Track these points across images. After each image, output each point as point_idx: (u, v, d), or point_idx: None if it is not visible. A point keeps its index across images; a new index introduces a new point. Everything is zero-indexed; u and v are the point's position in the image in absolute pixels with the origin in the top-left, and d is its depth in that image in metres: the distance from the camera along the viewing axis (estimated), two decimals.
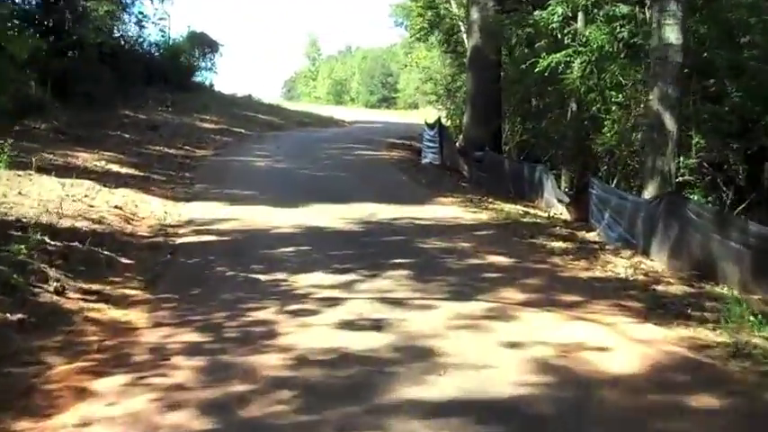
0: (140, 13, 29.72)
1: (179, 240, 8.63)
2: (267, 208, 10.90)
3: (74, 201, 9.36)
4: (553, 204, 12.87)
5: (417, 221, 10.55)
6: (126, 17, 27.50)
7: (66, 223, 8.13)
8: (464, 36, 24.37)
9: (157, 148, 16.74)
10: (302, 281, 6.99)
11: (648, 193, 10.50)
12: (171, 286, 6.72)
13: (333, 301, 6.33)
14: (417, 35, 26.48)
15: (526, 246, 9.34)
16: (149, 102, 24.31)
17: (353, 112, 48.54)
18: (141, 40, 29.04)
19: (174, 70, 29.11)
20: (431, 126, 20.47)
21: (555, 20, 14.92)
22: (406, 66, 42.20)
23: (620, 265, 8.48)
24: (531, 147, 19.14)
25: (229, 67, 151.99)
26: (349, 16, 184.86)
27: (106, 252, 7.34)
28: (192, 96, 27.64)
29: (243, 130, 23.72)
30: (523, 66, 15.20)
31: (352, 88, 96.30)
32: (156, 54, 29.74)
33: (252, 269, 7.33)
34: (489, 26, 17.92)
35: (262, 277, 7.08)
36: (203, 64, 33.66)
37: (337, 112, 40.68)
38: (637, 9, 14.31)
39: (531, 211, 12.63)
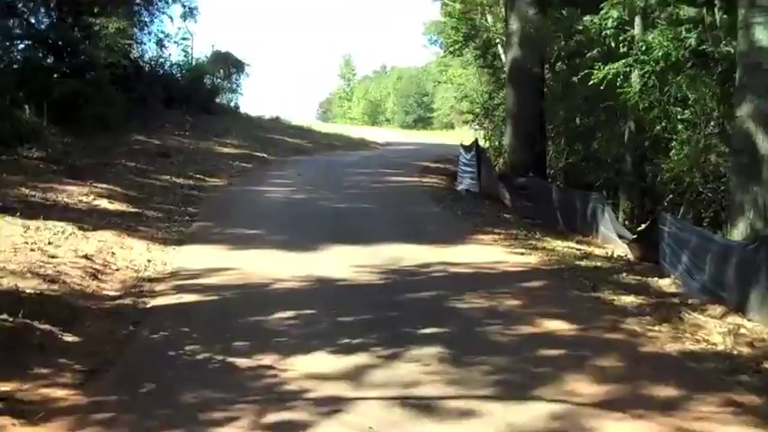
0: (161, 32, 28.54)
1: (152, 302, 6.84)
2: (273, 253, 9.13)
3: (31, 250, 7.66)
4: (611, 240, 10.99)
5: (452, 268, 8.68)
6: (145, 37, 26.36)
7: (6, 282, 6.45)
8: (501, 50, 22.65)
9: (164, 177, 15.12)
10: (296, 366, 5.18)
11: (738, 231, 8.56)
12: (117, 380, 4.93)
13: (333, 405, 4.51)
14: (451, 49, 24.60)
15: (590, 303, 7.43)
16: (167, 126, 22.91)
17: (387, 133, 46.88)
18: (162, 60, 27.79)
19: (195, 92, 27.73)
20: (467, 148, 18.61)
21: (609, 25, 12.99)
22: (439, 83, 39.92)
23: (713, 331, 6.56)
24: (579, 171, 17.19)
25: (260, 88, 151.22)
26: (383, 36, 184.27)
27: (45, 326, 5.58)
28: (214, 119, 26.23)
29: (265, 155, 22.09)
30: (575, 78, 13.12)
31: (387, 108, 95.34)
32: (178, 75, 28.42)
33: (233, 349, 5.53)
34: (531, 36, 16.11)
35: (243, 362, 5.25)
36: (227, 85, 32.33)
37: (370, 134, 39.06)
38: (705, 11, 12.35)
39: (587, 249, 10.75)
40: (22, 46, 20.19)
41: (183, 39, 29.30)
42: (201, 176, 16.28)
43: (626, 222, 12.96)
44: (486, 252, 9.84)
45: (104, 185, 12.67)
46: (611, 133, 15.06)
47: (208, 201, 13.48)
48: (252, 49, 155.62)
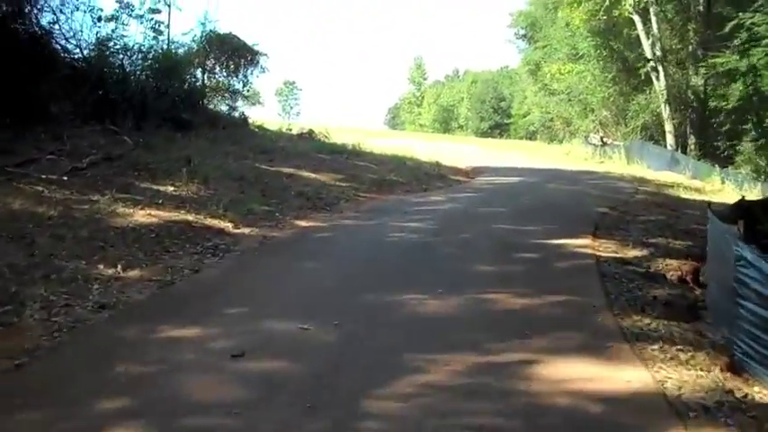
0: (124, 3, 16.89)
1: None
2: None
3: None
4: None
5: None
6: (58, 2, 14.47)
7: None
8: None
9: None
10: None
11: None
12: None
13: None
14: None
15: None
16: (51, 158, 10.93)
17: (467, 148, 33.62)
18: (111, 45, 15.84)
19: (159, 96, 15.65)
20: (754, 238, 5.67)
21: None
22: (532, 77, 26.64)
23: None
24: None
25: (325, 94, 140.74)
26: (457, 40, 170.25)
27: None
28: (182, 140, 14.18)
29: (229, 226, 9.60)
30: None
31: (460, 114, 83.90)
32: (138, 69, 16.36)
33: None
34: None
35: None
36: (231, 84, 20.16)
37: (445, 151, 25.86)
38: None
39: None
40: None
41: (153, 11, 17.33)
42: None
43: None
44: None
45: None
46: None
47: None
48: (319, 53, 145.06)
